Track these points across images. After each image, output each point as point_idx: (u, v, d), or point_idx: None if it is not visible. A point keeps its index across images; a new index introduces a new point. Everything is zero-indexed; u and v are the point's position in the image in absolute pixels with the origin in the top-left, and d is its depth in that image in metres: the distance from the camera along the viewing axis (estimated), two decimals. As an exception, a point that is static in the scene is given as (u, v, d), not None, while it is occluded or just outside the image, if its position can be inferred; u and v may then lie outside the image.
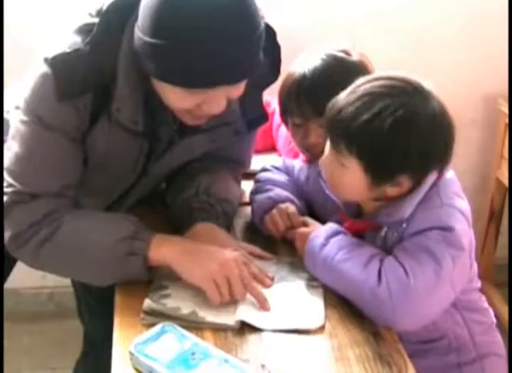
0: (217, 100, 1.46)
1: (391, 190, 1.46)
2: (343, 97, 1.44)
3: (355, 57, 1.75)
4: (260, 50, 1.45)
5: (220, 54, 1.37)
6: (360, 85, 1.44)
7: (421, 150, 1.41)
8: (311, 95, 1.68)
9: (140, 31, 1.41)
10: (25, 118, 1.52)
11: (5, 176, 1.54)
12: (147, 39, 1.39)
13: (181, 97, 1.45)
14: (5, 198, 1.53)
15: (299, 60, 1.77)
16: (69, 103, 1.48)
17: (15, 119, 1.55)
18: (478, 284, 1.63)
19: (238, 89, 1.48)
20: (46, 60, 1.46)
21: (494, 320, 1.68)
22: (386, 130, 1.38)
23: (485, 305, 1.67)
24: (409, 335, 1.45)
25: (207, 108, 1.47)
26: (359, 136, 1.40)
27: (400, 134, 1.39)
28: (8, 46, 2.36)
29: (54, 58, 1.45)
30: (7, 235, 1.54)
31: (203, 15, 1.34)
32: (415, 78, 1.46)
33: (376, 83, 1.43)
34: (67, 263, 1.54)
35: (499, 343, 1.68)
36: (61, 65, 1.45)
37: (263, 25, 1.44)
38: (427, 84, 1.45)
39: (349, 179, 1.46)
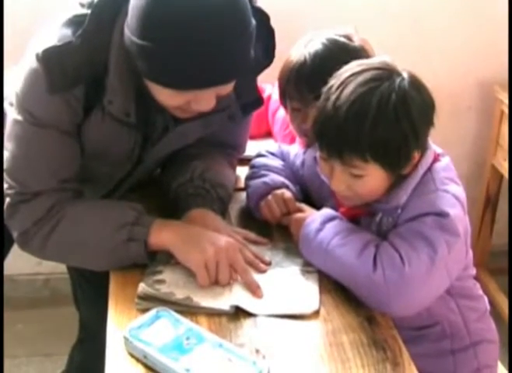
0: (206, 98, 1.46)
1: (406, 169, 1.46)
2: (331, 115, 1.41)
3: (356, 43, 1.73)
4: (251, 49, 1.44)
5: (209, 56, 1.36)
6: (339, 96, 1.41)
7: (423, 118, 1.42)
8: (311, 80, 1.67)
9: (129, 31, 1.41)
10: (18, 117, 1.52)
11: (6, 177, 1.56)
12: (135, 40, 1.39)
13: (170, 96, 1.45)
14: (8, 199, 1.57)
15: (299, 44, 1.76)
16: (61, 98, 1.48)
17: (9, 118, 1.55)
18: (473, 271, 1.63)
19: (228, 87, 1.48)
20: (37, 55, 1.45)
21: (488, 307, 1.69)
22: (392, 121, 1.38)
23: (480, 292, 1.67)
24: (403, 321, 1.45)
25: (196, 106, 1.47)
26: (370, 142, 1.38)
27: (403, 117, 1.39)
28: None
29: (45, 52, 1.44)
30: (15, 234, 1.59)
31: (191, 17, 1.33)
32: (375, 58, 1.49)
33: (352, 85, 1.40)
34: (72, 252, 1.58)
35: (492, 329, 1.68)
36: (52, 59, 1.44)
37: (254, 22, 1.43)
38: (385, 57, 1.47)
39: (370, 183, 1.45)
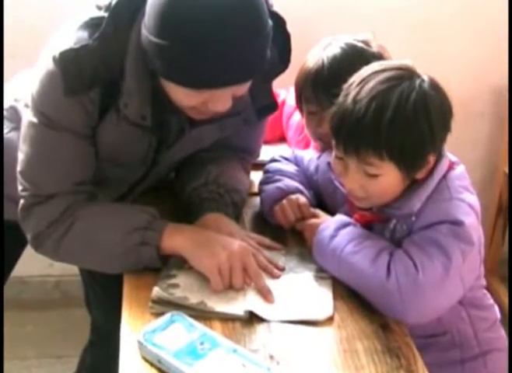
0: (222, 99, 1.46)
1: (420, 173, 1.46)
2: (350, 111, 1.41)
3: (374, 49, 1.74)
4: (267, 49, 1.44)
5: (225, 55, 1.36)
6: (359, 92, 1.41)
7: (441, 121, 1.42)
8: (328, 84, 1.66)
9: (146, 30, 1.41)
10: (34, 119, 1.52)
11: (20, 179, 1.57)
12: (152, 38, 1.39)
13: (187, 96, 1.45)
14: (23, 201, 1.57)
15: (317, 47, 1.77)
16: (77, 100, 1.48)
17: (25, 119, 1.56)
18: (483, 281, 1.62)
19: (244, 88, 1.48)
20: (53, 57, 1.45)
21: (498, 316, 1.68)
22: (410, 119, 1.38)
23: (490, 301, 1.66)
24: (412, 329, 1.43)
25: (212, 106, 1.47)
26: (388, 138, 1.38)
27: (423, 116, 1.39)
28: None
29: (62, 54, 1.44)
30: (28, 236, 1.59)
31: (208, 16, 1.33)
32: (396, 61, 1.49)
33: (372, 83, 1.41)
34: (85, 255, 1.58)
35: (502, 338, 1.67)
36: (69, 61, 1.45)
37: (270, 23, 1.43)
38: (407, 62, 1.47)
39: (384, 184, 1.45)
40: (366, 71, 1.46)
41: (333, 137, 1.47)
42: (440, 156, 1.47)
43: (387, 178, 1.44)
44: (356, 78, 1.46)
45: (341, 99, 1.45)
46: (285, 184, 1.72)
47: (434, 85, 1.43)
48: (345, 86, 1.46)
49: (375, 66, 1.47)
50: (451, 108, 1.46)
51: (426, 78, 1.43)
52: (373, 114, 1.38)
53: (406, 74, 1.43)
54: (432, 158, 1.45)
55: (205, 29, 1.33)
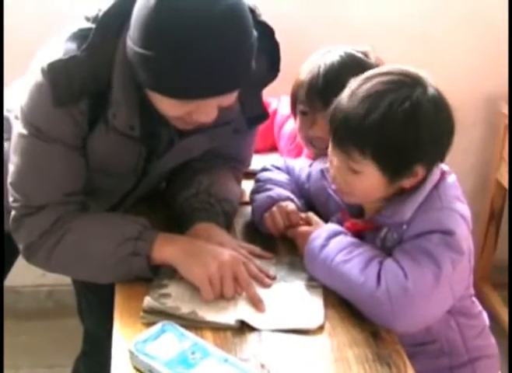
0: (208, 109, 1.46)
1: (407, 182, 1.47)
2: (345, 102, 1.44)
3: (372, 60, 1.77)
4: (252, 60, 1.45)
5: (210, 66, 1.36)
6: (359, 87, 1.44)
7: (432, 136, 1.42)
8: (323, 88, 1.71)
9: (131, 41, 1.41)
10: (23, 131, 1.53)
11: (11, 190, 1.57)
12: (137, 49, 1.39)
13: (172, 106, 1.46)
14: (14, 212, 1.58)
15: (316, 54, 1.81)
16: (66, 111, 1.49)
17: (15, 131, 1.56)
18: (472, 291, 1.63)
19: (229, 98, 1.48)
20: (42, 69, 1.46)
21: (487, 323, 1.68)
22: (397, 126, 1.39)
23: (479, 309, 1.67)
24: (403, 337, 1.44)
25: (197, 116, 1.48)
26: (371, 137, 1.40)
27: (411, 126, 1.40)
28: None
29: (51, 65, 1.45)
30: (20, 247, 1.59)
31: (192, 26, 1.33)
32: (410, 68, 1.48)
33: (374, 81, 1.44)
34: (76, 265, 1.58)
35: (491, 345, 1.68)
36: (57, 72, 1.45)
37: (255, 33, 1.44)
38: (422, 72, 1.47)
39: (366, 183, 1.46)
40: (374, 70, 1.49)
41: (329, 124, 1.49)
42: (430, 169, 1.47)
43: (369, 177, 1.45)
44: (363, 75, 1.48)
45: (343, 92, 1.47)
46: (277, 193, 1.72)
47: (436, 100, 1.43)
48: (351, 81, 1.48)
49: (384, 67, 1.50)
50: (452, 126, 1.46)
51: (431, 90, 1.43)
52: (362, 111, 1.40)
53: (409, 82, 1.43)
54: (420, 170, 1.45)
55: (188, 40, 1.34)
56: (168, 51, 1.36)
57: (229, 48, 1.37)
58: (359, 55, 1.77)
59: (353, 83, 1.46)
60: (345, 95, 1.45)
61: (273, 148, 2.22)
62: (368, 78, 1.45)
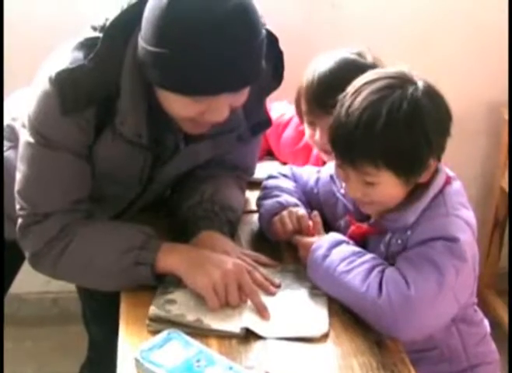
0: (220, 108, 1.47)
1: (423, 177, 1.48)
2: (343, 122, 1.44)
3: (368, 60, 1.79)
4: (262, 57, 1.46)
5: (222, 62, 1.37)
6: (352, 103, 1.44)
7: (437, 126, 1.44)
8: (320, 96, 1.76)
9: (143, 41, 1.42)
10: (30, 139, 1.54)
11: (18, 198, 1.58)
12: (150, 48, 1.40)
13: (184, 105, 1.46)
14: (21, 220, 1.58)
15: (312, 63, 1.85)
16: (73, 120, 1.50)
17: (22, 139, 1.57)
18: (475, 299, 1.63)
19: (241, 97, 1.49)
20: (49, 78, 1.47)
21: (488, 330, 1.68)
22: (403, 129, 1.40)
23: (480, 316, 1.67)
24: (404, 344, 1.43)
25: (210, 116, 1.48)
26: (381, 149, 1.40)
27: (416, 124, 1.41)
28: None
29: (58, 74, 1.46)
30: (27, 254, 1.60)
31: (204, 23, 1.35)
32: (391, 68, 1.50)
33: (364, 93, 1.43)
34: (81, 273, 1.58)
35: (492, 352, 1.68)
36: (65, 81, 1.46)
37: (264, 32, 1.45)
38: (404, 67, 1.49)
39: (385, 191, 1.47)
40: (359, 81, 1.48)
41: (331, 148, 1.49)
42: (440, 158, 1.49)
43: (386, 186, 1.45)
44: (350, 88, 1.48)
45: (336, 110, 1.47)
46: (285, 199, 1.72)
47: (429, 92, 1.45)
48: (340, 97, 1.48)
49: (369, 75, 1.49)
50: (449, 112, 1.47)
51: (420, 84, 1.44)
52: (364, 126, 1.40)
53: (399, 83, 1.44)
54: (433, 162, 1.46)
55: (203, 36, 1.35)
56: (181, 48, 1.37)
57: (241, 44, 1.38)
58: (353, 56, 1.81)
59: (344, 100, 1.46)
60: (341, 114, 1.45)
61: (267, 152, 2.22)
62: (357, 91, 1.45)
